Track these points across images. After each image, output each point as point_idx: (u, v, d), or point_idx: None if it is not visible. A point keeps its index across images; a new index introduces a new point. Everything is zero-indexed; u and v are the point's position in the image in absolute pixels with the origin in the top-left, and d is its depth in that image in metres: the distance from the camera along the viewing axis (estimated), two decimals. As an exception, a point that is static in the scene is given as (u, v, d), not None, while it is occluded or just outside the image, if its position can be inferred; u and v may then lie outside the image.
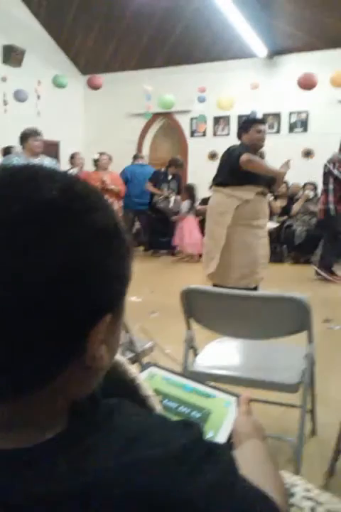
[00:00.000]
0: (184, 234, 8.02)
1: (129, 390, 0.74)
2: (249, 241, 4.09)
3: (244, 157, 3.91)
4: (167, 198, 8.32)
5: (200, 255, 7.75)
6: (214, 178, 4.37)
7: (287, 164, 4.21)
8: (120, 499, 0.44)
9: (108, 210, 0.51)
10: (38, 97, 8.68)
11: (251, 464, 0.62)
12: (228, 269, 4.12)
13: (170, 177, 8.50)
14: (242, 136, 4.20)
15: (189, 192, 8.43)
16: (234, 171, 4.00)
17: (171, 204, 8.31)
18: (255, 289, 4.09)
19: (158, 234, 8.54)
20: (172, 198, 8.36)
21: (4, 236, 0.42)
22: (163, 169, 8.55)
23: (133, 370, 0.77)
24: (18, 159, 4.65)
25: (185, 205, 8.28)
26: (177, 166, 8.49)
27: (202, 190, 8.90)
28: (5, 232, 0.42)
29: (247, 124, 4.27)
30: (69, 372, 0.48)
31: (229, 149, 4.20)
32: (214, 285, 4.06)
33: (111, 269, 0.49)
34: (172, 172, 8.47)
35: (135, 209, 8.52)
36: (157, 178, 8.41)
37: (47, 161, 4.87)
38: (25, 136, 4.93)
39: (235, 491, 0.51)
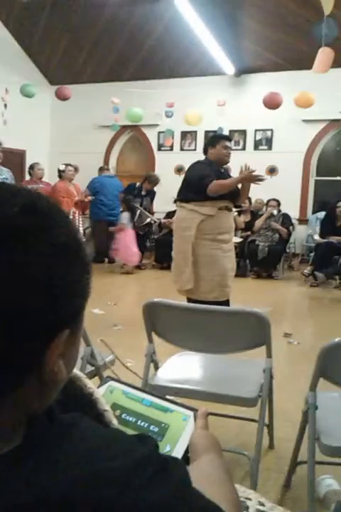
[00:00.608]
0: (121, 245, 7.99)
1: (87, 404, 0.73)
2: (214, 254, 4.12)
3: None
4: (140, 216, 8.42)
5: (137, 266, 8.04)
6: (178, 194, 4.41)
7: (248, 170, 4.27)
8: None
9: (69, 227, 0.52)
10: (5, 105, 8.58)
11: (206, 478, 0.63)
12: (197, 283, 4.15)
13: (144, 192, 8.53)
14: (208, 151, 4.26)
15: (127, 204, 8.37)
16: (197, 189, 4.05)
17: (136, 218, 8.38)
18: (226, 302, 4.14)
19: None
20: (138, 212, 8.42)
21: None
22: (137, 184, 8.56)
23: (91, 384, 0.76)
24: None
25: (125, 216, 8.24)
26: (152, 181, 8.51)
27: (168, 204, 8.96)
28: None
29: (214, 139, 4.34)
30: (27, 385, 0.48)
31: (193, 166, 4.25)
32: (188, 299, 4.10)
33: (71, 285, 0.49)
34: (146, 188, 8.50)
35: (106, 220, 8.50)
36: (130, 192, 8.41)
37: (6, 172, 4.81)
38: None
39: (188, 504, 0.51)
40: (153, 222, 8.79)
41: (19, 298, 0.44)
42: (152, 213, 8.90)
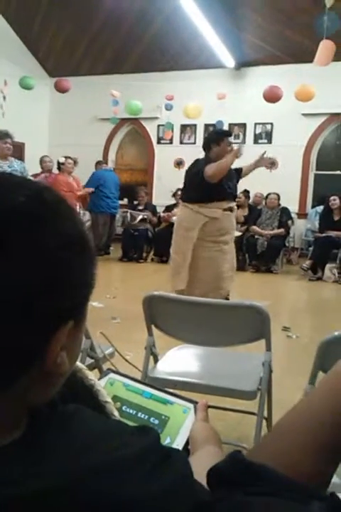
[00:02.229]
0: None
1: (88, 396, 0.73)
2: (215, 257, 4.12)
3: (207, 173, 3.96)
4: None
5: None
6: (182, 193, 4.40)
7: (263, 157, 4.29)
8: (74, 504, 0.44)
9: (75, 219, 0.52)
10: (4, 97, 8.54)
11: (206, 470, 0.62)
12: (193, 285, 4.15)
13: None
14: (211, 148, 4.21)
15: None
16: (200, 189, 4.03)
17: (128, 220, 8.64)
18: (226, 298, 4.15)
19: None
20: (128, 213, 8.69)
21: None
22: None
23: (92, 376, 0.76)
24: None
25: None
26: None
27: (167, 198, 8.97)
28: None
29: (219, 136, 4.30)
30: (29, 377, 0.48)
31: (193, 166, 4.23)
32: None
33: (76, 276, 0.49)
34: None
35: (109, 212, 8.56)
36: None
37: (16, 164, 4.77)
38: None
39: (190, 496, 0.51)
40: (145, 216, 8.82)
41: (23, 287, 0.44)
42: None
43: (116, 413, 0.75)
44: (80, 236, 0.51)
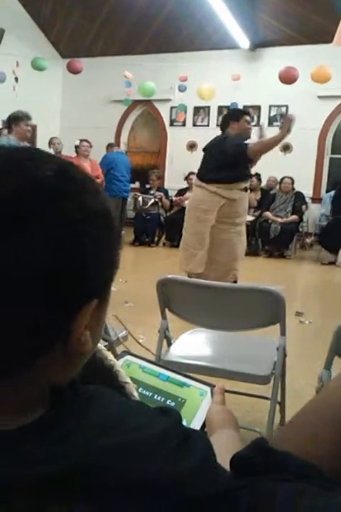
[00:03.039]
0: None
1: (107, 376, 0.73)
2: (231, 238, 4.09)
3: (252, 149, 3.88)
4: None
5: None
6: (199, 173, 4.30)
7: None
8: (99, 484, 0.44)
9: (101, 196, 0.52)
10: (16, 79, 8.51)
11: (224, 453, 0.62)
12: (209, 267, 4.12)
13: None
14: (230, 125, 4.14)
15: None
16: (223, 169, 3.92)
17: (140, 204, 8.58)
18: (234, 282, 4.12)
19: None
20: (140, 198, 8.67)
21: None
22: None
23: (111, 356, 0.76)
24: (8, 142, 4.44)
25: None
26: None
27: (180, 181, 8.93)
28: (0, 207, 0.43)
29: (238, 113, 4.26)
30: (52, 356, 0.48)
31: (216, 145, 4.12)
32: None
33: (101, 253, 0.49)
34: None
35: (121, 196, 8.55)
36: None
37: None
38: (17, 119, 4.67)
39: (211, 477, 0.51)
40: (157, 199, 8.81)
41: (50, 262, 0.44)
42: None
43: (135, 394, 0.75)
44: (106, 213, 0.51)
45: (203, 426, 0.83)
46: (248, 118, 4.15)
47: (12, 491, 0.43)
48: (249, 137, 4.15)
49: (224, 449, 0.68)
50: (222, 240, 4.06)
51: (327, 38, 7.86)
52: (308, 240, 8.70)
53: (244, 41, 9.13)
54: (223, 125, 4.23)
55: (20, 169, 0.46)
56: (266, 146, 3.98)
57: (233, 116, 4.23)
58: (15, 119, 4.67)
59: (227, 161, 3.94)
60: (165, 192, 9.10)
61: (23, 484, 0.43)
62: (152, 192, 8.85)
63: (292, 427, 0.71)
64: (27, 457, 0.44)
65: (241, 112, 4.31)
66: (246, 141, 3.96)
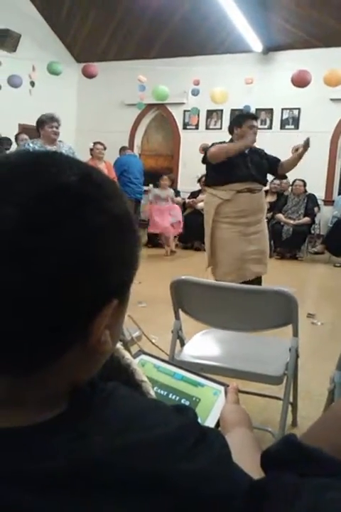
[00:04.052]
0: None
1: (124, 374, 0.74)
2: (232, 238, 4.11)
3: (209, 153, 3.97)
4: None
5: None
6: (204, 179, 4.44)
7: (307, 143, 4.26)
8: (116, 480, 0.45)
9: (122, 200, 0.53)
10: (32, 83, 8.59)
11: (238, 451, 0.62)
12: (215, 266, 4.19)
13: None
14: (234, 130, 4.21)
15: None
16: (211, 171, 4.09)
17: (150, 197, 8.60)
18: (259, 281, 4.15)
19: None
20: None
21: (22, 214, 0.44)
22: None
23: (128, 355, 0.77)
24: (34, 147, 4.46)
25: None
26: None
27: (193, 184, 8.95)
28: (25, 211, 0.44)
29: (240, 118, 4.27)
30: (73, 354, 0.49)
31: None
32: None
33: (122, 255, 0.51)
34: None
35: (134, 198, 8.58)
36: None
37: (65, 147, 4.70)
38: (41, 123, 4.59)
39: (227, 475, 0.52)
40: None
41: (72, 263, 0.45)
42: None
43: (152, 392, 0.76)
44: (126, 216, 0.52)
45: (217, 425, 0.83)
46: (252, 122, 4.15)
47: (33, 484, 0.44)
48: (253, 141, 4.16)
49: (239, 447, 0.67)
50: (221, 240, 4.11)
51: (340, 41, 7.86)
52: (316, 248, 8.57)
53: (256, 45, 9.13)
54: (230, 131, 4.28)
55: (45, 175, 0.47)
56: (220, 151, 4.03)
57: (236, 121, 4.25)
58: (40, 124, 4.61)
59: (211, 167, 4.09)
60: (177, 192, 9.10)
61: (42, 479, 0.44)
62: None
63: (323, 424, 0.73)
64: (48, 452, 0.45)
65: (243, 117, 4.30)
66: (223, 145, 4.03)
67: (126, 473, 0.46)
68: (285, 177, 7.61)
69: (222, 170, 4.01)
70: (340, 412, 0.68)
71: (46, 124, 4.56)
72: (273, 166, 4.29)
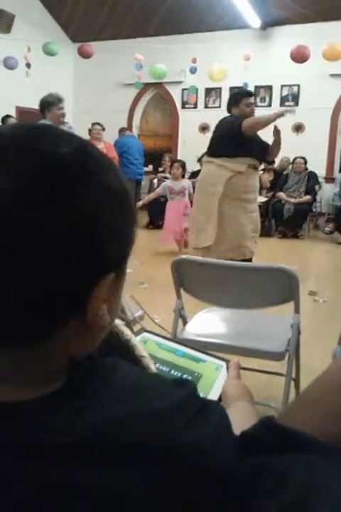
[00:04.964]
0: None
1: (124, 350, 0.75)
2: (238, 214, 4.09)
3: (245, 124, 3.91)
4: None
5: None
6: (207, 149, 4.34)
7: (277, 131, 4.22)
8: (119, 450, 0.45)
9: (118, 174, 0.53)
10: (28, 64, 8.50)
11: (239, 425, 0.62)
12: (217, 241, 4.14)
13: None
14: (231, 110, 4.18)
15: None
16: (226, 143, 3.98)
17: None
18: (249, 261, 4.13)
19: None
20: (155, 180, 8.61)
21: (19, 187, 0.43)
22: None
23: (128, 331, 0.78)
24: None
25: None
26: None
27: (192, 163, 8.89)
28: (20, 183, 0.44)
29: (236, 98, 4.24)
30: (71, 328, 0.49)
31: (222, 120, 4.19)
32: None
33: (118, 228, 0.50)
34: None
35: (135, 179, 8.56)
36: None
37: (66, 127, 4.56)
38: (48, 104, 4.43)
39: (231, 441, 0.53)
40: None
41: (67, 235, 0.45)
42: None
43: (152, 367, 0.77)
44: (123, 189, 0.52)
45: (219, 400, 0.84)
46: (249, 100, 4.12)
47: (34, 458, 0.44)
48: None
49: (240, 421, 0.67)
50: (228, 215, 4.07)
51: (338, 14, 7.74)
52: (320, 221, 8.57)
53: (254, 20, 9.01)
54: (228, 109, 4.26)
55: (39, 147, 0.47)
56: (258, 123, 4.00)
57: (232, 101, 4.23)
58: (47, 105, 4.44)
59: (227, 135, 4.00)
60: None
61: (44, 452, 0.44)
62: (165, 175, 8.81)
63: (299, 404, 0.73)
64: (47, 426, 0.45)
65: (240, 95, 4.26)
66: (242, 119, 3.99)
67: (128, 445, 0.46)
68: (273, 162, 7.54)
69: (242, 142, 3.94)
70: (314, 394, 0.67)
71: (54, 105, 4.42)
72: (266, 149, 4.28)
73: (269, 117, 4.04)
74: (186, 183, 6.49)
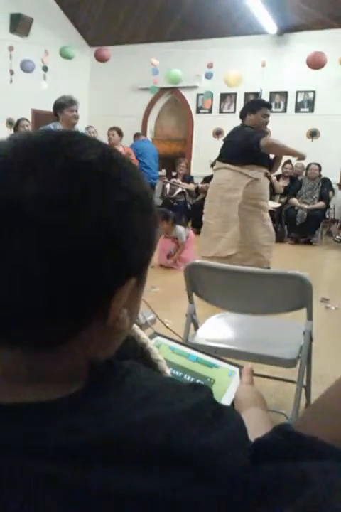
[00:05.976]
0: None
1: (140, 354, 0.75)
2: (255, 221, 4.08)
3: (265, 141, 3.91)
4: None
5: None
6: (223, 155, 4.31)
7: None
8: (136, 454, 0.46)
9: (142, 180, 0.54)
10: (45, 68, 8.57)
11: (253, 430, 0.62)
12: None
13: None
14: (246, 116, 4.16)
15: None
16: (247, 152, 3.98)
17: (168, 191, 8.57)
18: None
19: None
20: (168, 185, 8.64)
21: (44, 192, 0.45)
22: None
23: (144, 335, 0.79)
24: (55, 127, 4.26)
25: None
26: None
27: (206, 169, 8.90)
28: (45, 189, 0.45)
29: (255, 105, 4.23)
30: (92, 331, 0.50)
31: (241, 129, 4.16)
32: None
33: (141, 233, 0.51)
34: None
35: (150, 183, 8.59)
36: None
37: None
38: (60, 107, 4.43)
39: (246, 447, 0.53)
40: (184, 190, 8.82)
41: (93, 241, 0.46)
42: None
43: (168, 371, 0.77)
44: (146, 195, 0.53)
45: (232, 406, 0.83)
46: (266, 111, 4.10)
47: (56, 457, 0.44)
48: (264, 131, 4.12)
49: (254, 426, 0.68)
50: (246, 222, 4.05)
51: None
52: (333, 228, 8.50)
53: (271, 26, 9.00)
54: (241, 115, 4.23)
55: (67, 153, 0.47)
56: (276, 146, 4.03)
57: (250, 107, 4.22)
58: (59, 107, 4.44)
59: (246, 143, 3.99)
60: (191, 178, 9.10)
61: (65, 452, 0.45)
62: (177, 180, 8.84)
63: (315, 411, 0.73)
64: (67, 426, 0.46)
65: (259, 104, 4.26)
66: (261, 135, 3.98)
67: (146, 448, 0.46)
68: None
69: (255, 151, 3.95)
70: (330, 401, 0.68)
71: (66, 107, 4.40)
72: (270, 162, 4.32)
73: (288, 150, 4.06)
74: (178, 231, 5.70)
